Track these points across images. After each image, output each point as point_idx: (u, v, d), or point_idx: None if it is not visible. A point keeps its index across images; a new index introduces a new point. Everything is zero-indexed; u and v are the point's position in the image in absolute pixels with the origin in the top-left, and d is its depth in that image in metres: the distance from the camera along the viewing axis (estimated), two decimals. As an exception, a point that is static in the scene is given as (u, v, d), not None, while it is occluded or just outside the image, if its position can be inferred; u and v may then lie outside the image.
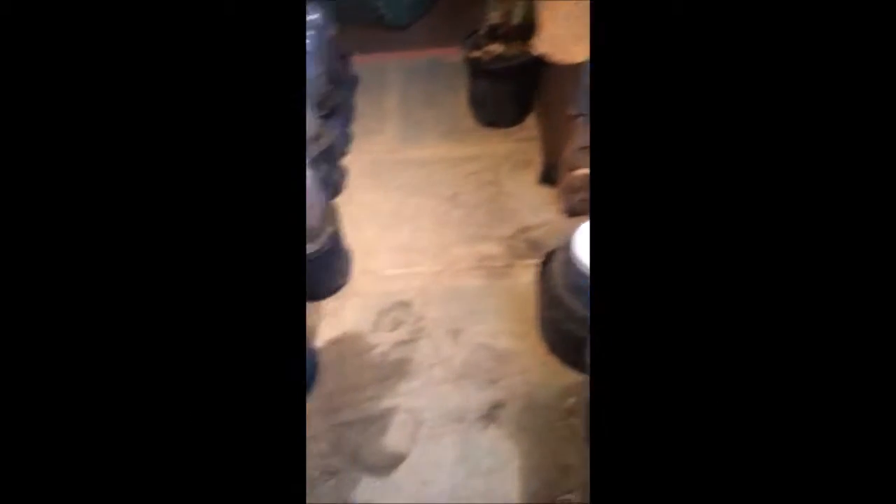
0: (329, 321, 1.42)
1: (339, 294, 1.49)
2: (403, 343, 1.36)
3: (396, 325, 1.40)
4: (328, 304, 1.45)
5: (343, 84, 1.97)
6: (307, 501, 1.09)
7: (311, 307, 1.25)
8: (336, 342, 1.39)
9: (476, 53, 1.79)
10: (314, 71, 1.73)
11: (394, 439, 1.19)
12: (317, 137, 1.60)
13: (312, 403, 1.26)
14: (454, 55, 1.96)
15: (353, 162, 1.85)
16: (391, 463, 1.15)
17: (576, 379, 1.22)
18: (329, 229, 1.39)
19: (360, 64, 2.17)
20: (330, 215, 1.41)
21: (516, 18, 1.72)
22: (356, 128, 1.98)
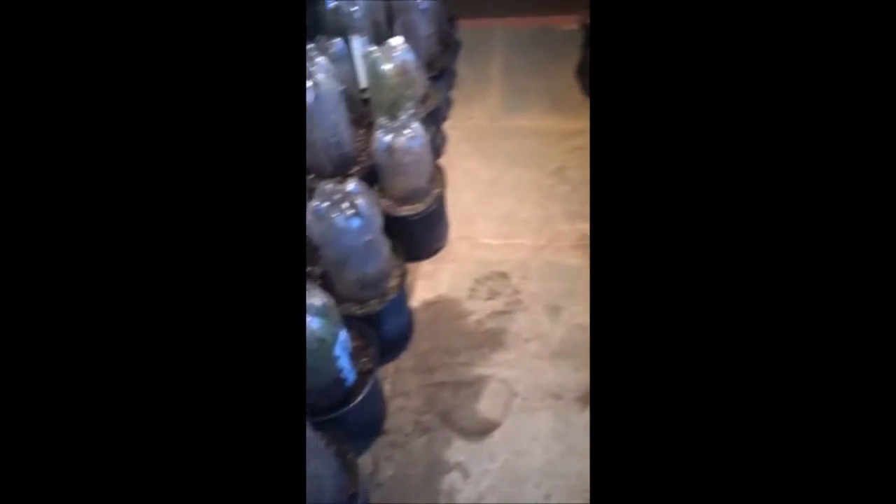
0: (424, 283, 1.43)
1: (436, 257, 1.49)
2: (499, 314, 1.35)
3: (493, 294, 1.39)
4: (425, 267, 1.46)
5: (448, 47, 1.93)
6: (399, 456, 1.12)
7: (402, 268, 1.26)
8: (431, 304, 1.39)
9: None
10: (425, 31, 1.71)
11: (486, 406, 1.18)
12: (424, 99, 1.59)
13: (407, 361, 1.28)
14: (570, 23, 1.86)
15: (454, 127, 1.83)
16: (484, 429, 1.14)
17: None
18: (435, 191, 1.38)
19: (466, 29, 2.12)
20: (437, 177, 1.40)
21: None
22: (457, 93, 1.95)
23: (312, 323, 0.83)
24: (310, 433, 0.77)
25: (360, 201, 0.97)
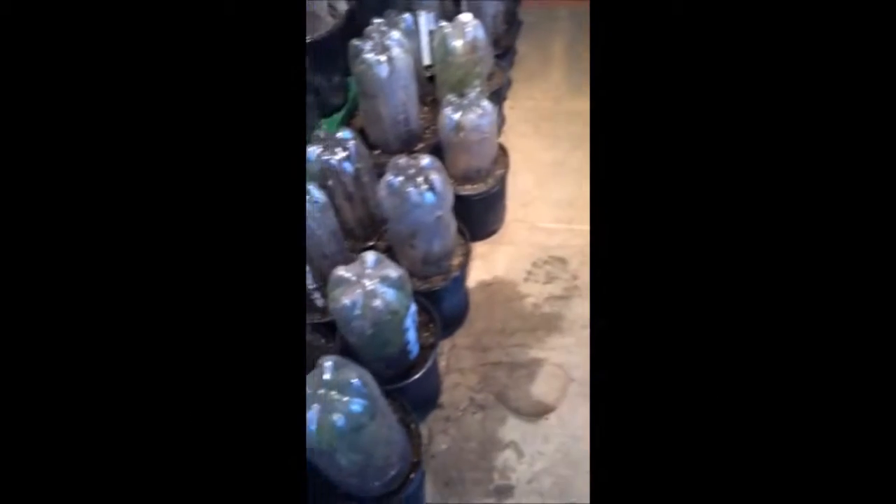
0: (480, 264, 1.43)
1: (492, 239, 1.49)
2: (556, 298, 1.34)
3: (550, 279, 1.38)
4: (480, 247, 1.46)
5: (511, 26, 1.89)
6: (454, 430, 1.14)
7: (466, 247, 1.26)
8: (487, 285, 1.40)
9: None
10: (492, 9, 1.68)
11: (541, 389, 1.18)
12: (489, 77, 1.57)
13: (462, 339, 1.29)
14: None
15: (513, 107, 1.80)
16: (538, 411, 1.15)
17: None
18: (498, 172, 1.37)
19: (528, 9, 2.07)
20: (500, 157, 1.39)
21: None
22: (518, 73, 1.91)
23: (387, 294, 0.85)
24: (382, 399, 0.80)
25: (434, 176, 0.98)
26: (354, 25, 1.38)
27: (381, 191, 1.01)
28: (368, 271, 0.86)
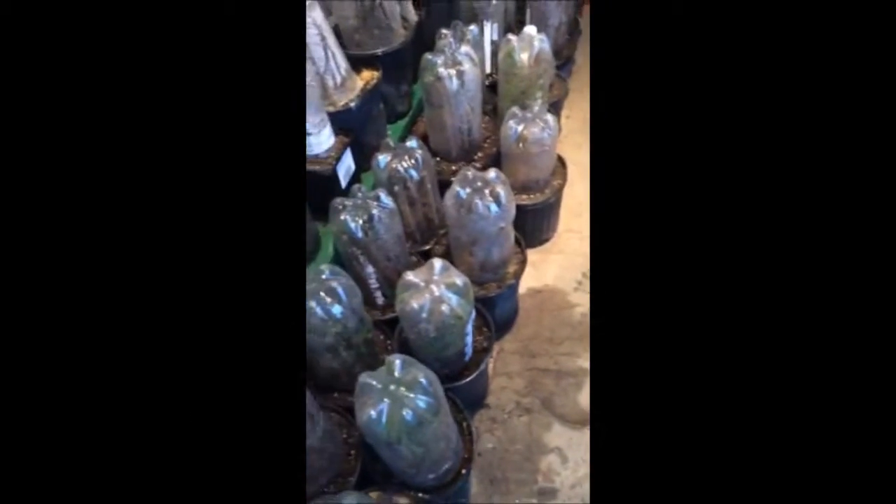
0: (531, 271, 1.47)
1: (544, 247, 1.52)
2: (605, 310, 1.36)
3: (600, 290, 1.40)
4: (532, 255, 1.49)
5: (572, 36, 1.90)
6: (499, 431, 1.19)
7: (521, 256, 1.30)
8: (536, 292, 1.43)
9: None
10: (556, 20, 1.70)
11: (588, 399, 1.22)
12: (549, 88, 1.59)
13: (510, 344, 1.34)
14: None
15: (568, 117, 1.82)
16: (583, 419, 1.18)
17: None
18: (556, 182, 1.40)
19: (586, 16, 2.07)
20: (558, 169, 1.42)
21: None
22: (574, 83, 1.92)
23: (452, 300, 0.90)
24: (444, 398, 0.85)
25: (500, 190, 1.02)
26: (422, 36, 1.44)
27: (448, 200, 1.06)
28: (436, 277, 0.92)
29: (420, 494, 0.93)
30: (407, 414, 0.77)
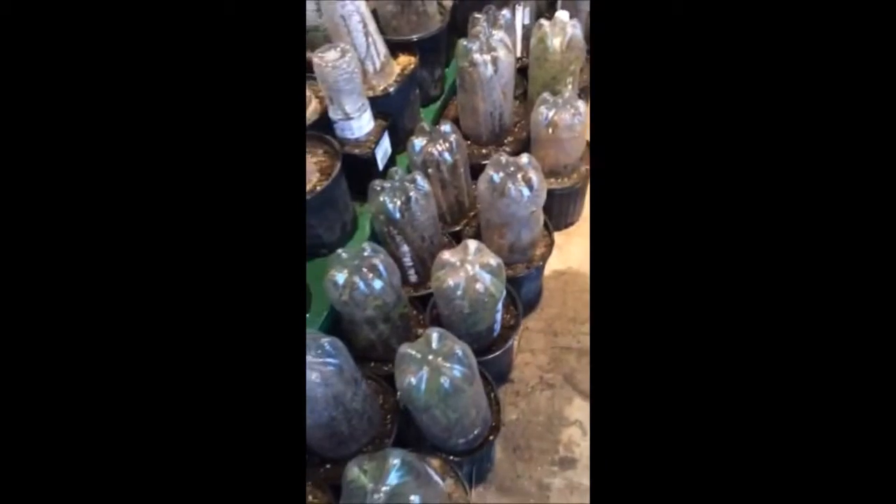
0: (556, 253, 1.50)
1: (568, 230, 1.56)
2: (628, 292, 1.40)
3: (623, 273, 1.44)
4: (558, 237, 1.53)
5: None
6: (523, 404, 1.26)
7: (549, 239, 1.34)
8: (561, 274, 1.48)
9: None
10: (587, 6, 1.70)
11: (608, 376, 1.27)
12: (580, 73, 1.61)
13: (535, 322, 1.40)
14: None
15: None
16: (604, 395, 1.24)
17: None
18: (583, 168, 1.43)
19: None
20: (586, 154, 1.45)
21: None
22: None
23: (486, 279, 0.96)
24: (477, 369, 0.92)
25: (532, 175, 1.06)
26: (455, 20, 1.47)
27: (481, 184, 1.11)
28: (471, 257, 0.97)
29: (450, 457, 1.01)
30: (444, 381, 0.84)
